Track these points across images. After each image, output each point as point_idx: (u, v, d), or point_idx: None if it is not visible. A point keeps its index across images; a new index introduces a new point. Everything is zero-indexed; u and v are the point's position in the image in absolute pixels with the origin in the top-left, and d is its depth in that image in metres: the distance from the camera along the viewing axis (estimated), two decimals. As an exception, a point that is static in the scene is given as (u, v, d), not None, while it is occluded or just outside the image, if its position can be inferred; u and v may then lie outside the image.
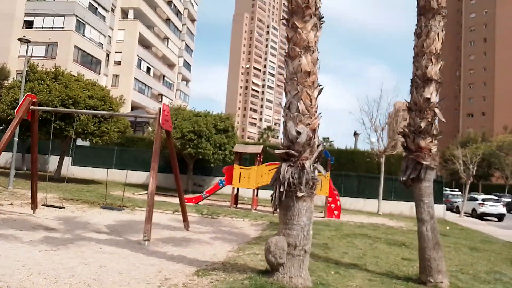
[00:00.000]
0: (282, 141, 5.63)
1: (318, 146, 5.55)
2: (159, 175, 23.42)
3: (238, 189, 17.18)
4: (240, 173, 16.49)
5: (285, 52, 5.69)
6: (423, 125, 6.60)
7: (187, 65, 65.51)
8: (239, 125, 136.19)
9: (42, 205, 10.07)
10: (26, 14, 37.11)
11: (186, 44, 63.99)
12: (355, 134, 27.16)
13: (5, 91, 18.90)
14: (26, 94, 9.33)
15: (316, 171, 5.49)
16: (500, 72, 71.37)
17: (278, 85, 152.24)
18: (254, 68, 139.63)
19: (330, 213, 16.36)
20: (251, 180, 16.20)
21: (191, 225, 10.70)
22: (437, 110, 6.67)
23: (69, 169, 25.05)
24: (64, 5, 36.89)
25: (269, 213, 15.52)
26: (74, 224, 9.52)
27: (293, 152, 5.38)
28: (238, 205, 17.20)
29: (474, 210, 27.00)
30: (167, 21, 56.49)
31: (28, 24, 37.44)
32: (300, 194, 5.30)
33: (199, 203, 16.81)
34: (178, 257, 6.91)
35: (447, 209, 29.72)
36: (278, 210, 5.60)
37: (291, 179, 5.29)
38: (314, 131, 5.49)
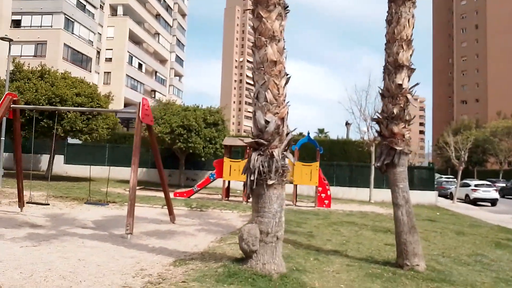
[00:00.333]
0: (252, 130, 5.69)
1: (287, 134, 5.61)
2: (151, 170, 23.79)
3: (229, 182, 17.27)
4: (230, 166, 16.58)
5: (252, 42, 5.73)
6: (395, 111, 6.67)
7: (179, 60, 65.29)
8: (235, 119, 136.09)
9: (26, 202, 10.13)
10: (13, 13, 36.80)
11: (177, 39, 63.71)
12: (347, 124, 27.26)
13: (-10, 91, 18.87)
14: (6, 93, 9.34)
15: (286, 159, 5.56)
16: (492, 58, 71.49)
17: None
18: (248, 61, 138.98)
19: (320, 202, 16.49)
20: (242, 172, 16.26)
21: (179, 218, 10.80)
22: (409, 96, 6.73)
23: (62, 167, 25.16)
24: (51, 3, 36.60)
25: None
26: (61, 220, 9.58)
27: (262, 141, 5.44)
28: (230, 198, 17.31)
29: (467, 195, 27.23)
30: (157, 16, 56.18)
31: (16, 24, 37.15)
32: (270, 182, 5.37)
33: (190, 197, 16.90)
34: (159, 249, 6.99)
35: (441, 196, 29.99)
36: (251, 199, 5.68)
37: (261, 168, 5.36)
38: (282, 120, 5.54)
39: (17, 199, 10.47)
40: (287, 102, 5.65)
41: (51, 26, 36.73)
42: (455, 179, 40.86)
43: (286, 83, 5.67)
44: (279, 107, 5.54)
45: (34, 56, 35.92)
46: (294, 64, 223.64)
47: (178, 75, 65.70)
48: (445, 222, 14.14)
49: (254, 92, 5.65)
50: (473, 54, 76.17)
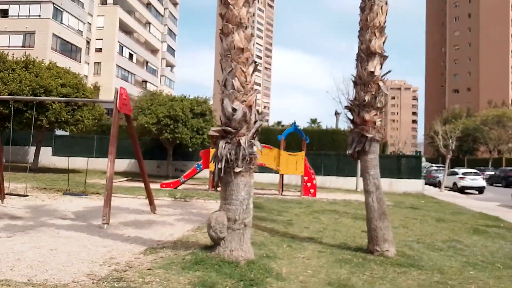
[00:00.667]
0: (220, 118, 5.70)
1: (255, 122, 5.62)
2: (140, 162, 23.71)
3: (215, 172, 17.27)
4: (216, 156, 16.57)
5: (219, 29, 5.70)
6: (367, 98, 6.69)
7: (171, 50, 64.81)
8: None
9: (6, 194, 10.10)
10: (0, 3, 36.28)
11: (169, 29, 63.17)
12: (336, 113, 27.32)
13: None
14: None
15: (255, 147, 5.58)
16: (485, 47, 71.66)
17: (266, 68, 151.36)
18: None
19: (306, 191, 16.59)
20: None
21: (161, 208, 10.83)
22: (381, 84, 6.75)
23: (50, 159, 25.06)
24: (39, -8, 36.10)
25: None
26: (41, 212, 9.56)
27: (229, 129, 5.46)
28: (218, 188, 17.32)
29: (455, 184, 27.50)
30: (148, 5, 55.57)
31: (3, 13, 36.67)
32: (237, 169, 5.40)
33: (177, 188, 16.91)
34: (134, 238, 7.03)
35: (431, 184, 30.30)
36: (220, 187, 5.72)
37: (228, 156, 5.38)
38: (250, 107, 5.55)
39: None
40: (255, 90, 5.65)
41: (40, 16, 36.24)
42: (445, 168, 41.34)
43: (254, 70, 5.67)
44: (246, 94, 5.55)
45: (22, 46, 35.45)
46: (291, 53, 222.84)
47: (169, 65, 65.28)
48: (428, 210, 14.28)
49: (222, 80, 5.65)
50: (465, 43, 76.31)
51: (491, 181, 35.46)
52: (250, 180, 5.57)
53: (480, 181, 26.62)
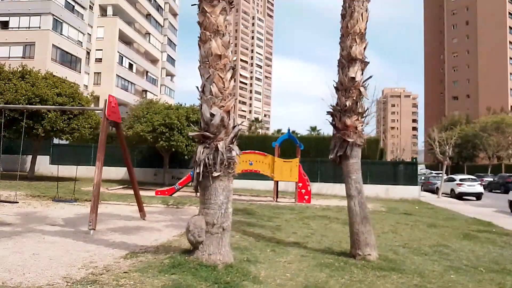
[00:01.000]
0: (200, 123, 5.78)
1: (234, 127, 5.70)
2: (137, 170, 23.74)
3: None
4: (210, 163, 16.63)
5: (198, 37, 5.81)
6: (348, 103, 6.77)
7: (171, 60, 65.25)
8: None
9: (-3, 201, 10.18)
10: (1, 15, 36.73)
11: (169, 39, 63.67)
12: (333, 120, 27.38)
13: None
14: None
15: (233, 152, 5.64)
16: (483, 54, 71.91)
17: (266, 77, 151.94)
18: (241, 60, 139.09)
19: (300, 198, 16.60)
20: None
21: (152, 215, 10.89)
22: (362, 89, 6.83)
23: (48, 168, 25.14)
24: (39, 4, 36.50)
25: (242, 201, 15.74)
26: (32, 218, 9.62)
27: (208, 134, 5.54)
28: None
29: (452, 190, 27.42)
30: (148, 16, 56.10)
31: (4, 25, 37.08)
32: (216, 174, 5.46)
33: (172, 195, 16.95)
34: (118, 244, 7.06)
35: (429, 191, 30.23)
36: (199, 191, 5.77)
37: (206, 160, 5.45)
38: (228, 112, 5.63)
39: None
40: (233, 96, 5.74)
41: (39, 27, 36.62)
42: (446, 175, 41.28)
43: (232, 77, 5.76)
44: (224, 100, 5.63)
45: (22, 57, 35.78)
46: (290, 62, 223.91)
47: (169, 74, 65.65)
48: (421, 216, 14.26)
49: (201, 86, 5.74)
50: (464, 50, 76.60)
51: (490, 187, 35.36)
52: (229, 185, 5.63)
53: (477, 187, 26.54)
